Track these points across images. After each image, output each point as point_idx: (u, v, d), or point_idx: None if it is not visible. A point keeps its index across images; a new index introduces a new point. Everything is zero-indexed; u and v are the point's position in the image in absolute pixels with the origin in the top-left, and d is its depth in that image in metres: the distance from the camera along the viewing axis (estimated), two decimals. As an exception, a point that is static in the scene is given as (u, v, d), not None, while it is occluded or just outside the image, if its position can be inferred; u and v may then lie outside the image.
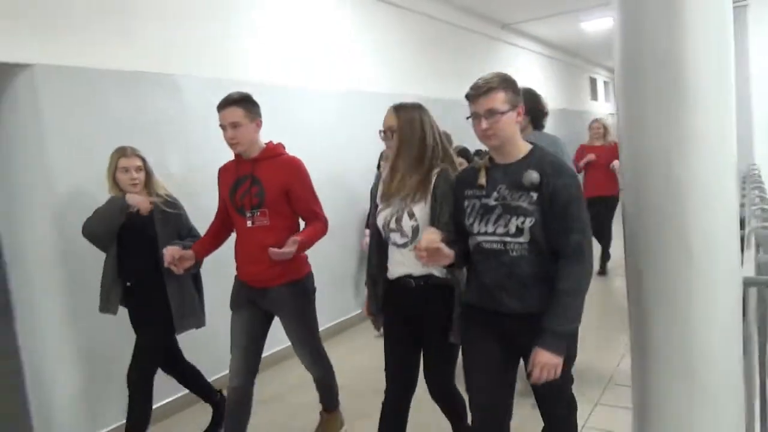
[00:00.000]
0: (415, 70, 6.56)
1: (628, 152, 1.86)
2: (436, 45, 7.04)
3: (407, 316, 2.44)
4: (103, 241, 2.91)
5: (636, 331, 1.90)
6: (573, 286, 1.97)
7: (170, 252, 2.73)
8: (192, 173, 3.88)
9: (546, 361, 1.93)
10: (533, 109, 3.24)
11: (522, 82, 2.18)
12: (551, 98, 8.66)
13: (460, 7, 7.36)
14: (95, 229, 2.88)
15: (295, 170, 2.76)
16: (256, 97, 2.80)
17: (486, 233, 2.09)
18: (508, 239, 2.04)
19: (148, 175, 2.98)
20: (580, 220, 1.99)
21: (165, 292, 2.91)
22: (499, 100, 1.99)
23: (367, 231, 3.29)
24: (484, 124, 2.00)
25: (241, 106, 2.66)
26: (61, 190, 3.24)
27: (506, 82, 2.03)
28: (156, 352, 3.03)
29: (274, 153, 2.78)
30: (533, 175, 2.00)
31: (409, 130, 2.33)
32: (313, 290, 2.91)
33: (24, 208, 3.31)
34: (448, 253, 2.07)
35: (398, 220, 2.36)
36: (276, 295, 2.78)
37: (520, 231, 2.01)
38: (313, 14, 5.18)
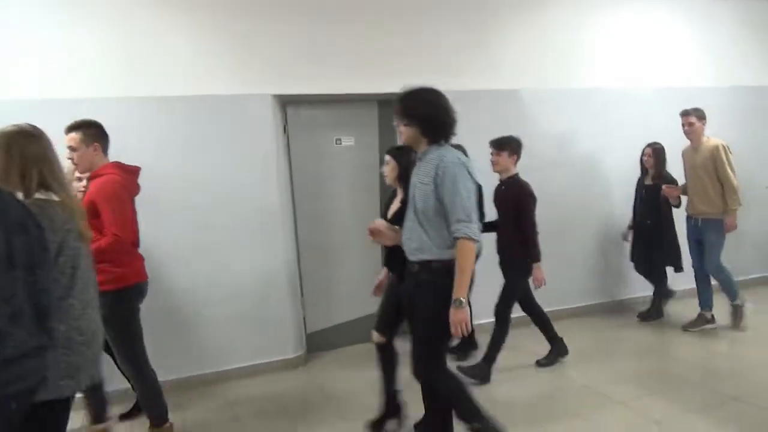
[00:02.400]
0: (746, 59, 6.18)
1: None
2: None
3: None
4: None
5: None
6: None
7: None
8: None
9: None
10: (423, 116, 2.45)
11: None
12: None
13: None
14: None
15: (98, 187, 2.93)
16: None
17: None
18: None
19: None
20: None
21: None
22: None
23: None
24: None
25: (78, 132, 2.97)
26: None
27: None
28: None
29: (97, 174, 3.00)
30: None
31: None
32: (129, 302, 3.03)
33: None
34: None
35: None
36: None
37: None
38: (647, 21, 5.60)
